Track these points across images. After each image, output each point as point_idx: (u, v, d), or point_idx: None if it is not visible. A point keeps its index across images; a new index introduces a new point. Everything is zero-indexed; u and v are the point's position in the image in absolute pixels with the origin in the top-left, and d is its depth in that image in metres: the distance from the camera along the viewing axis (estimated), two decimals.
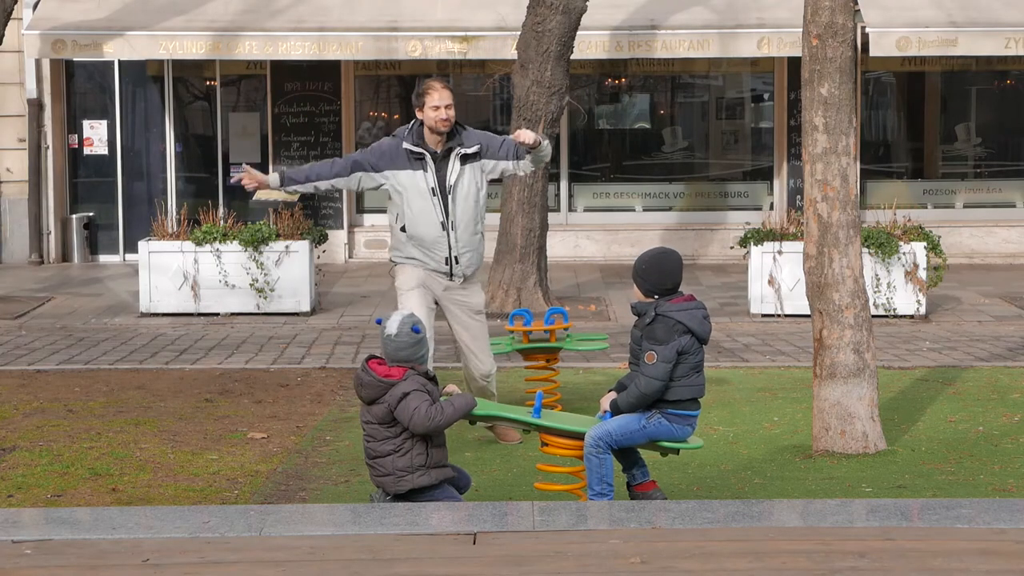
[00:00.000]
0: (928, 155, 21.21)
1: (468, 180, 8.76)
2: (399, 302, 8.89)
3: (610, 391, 7.37)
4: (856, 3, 11.58)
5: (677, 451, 7.44)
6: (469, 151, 8.73)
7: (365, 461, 6.97)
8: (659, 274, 7.24)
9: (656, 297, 7.21)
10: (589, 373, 11.62)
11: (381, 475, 6.86)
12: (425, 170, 8.69)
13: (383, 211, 20.25)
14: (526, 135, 8.57)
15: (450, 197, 8.72)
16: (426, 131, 8.71)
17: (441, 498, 6.85)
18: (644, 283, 7.24)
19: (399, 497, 6.84)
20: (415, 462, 6.80)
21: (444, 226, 8.74)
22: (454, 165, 8.72)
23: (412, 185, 8.70)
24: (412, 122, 8.81)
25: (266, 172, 8.47)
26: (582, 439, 7.27)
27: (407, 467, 6.80)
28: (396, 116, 21.26)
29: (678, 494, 7.95)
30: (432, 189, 8.69)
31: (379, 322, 6.95)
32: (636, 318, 7.31)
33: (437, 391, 6.91)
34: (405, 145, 8.69)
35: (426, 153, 8.68)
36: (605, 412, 7.32)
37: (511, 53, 16.36)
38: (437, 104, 8.61)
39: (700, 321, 7.19)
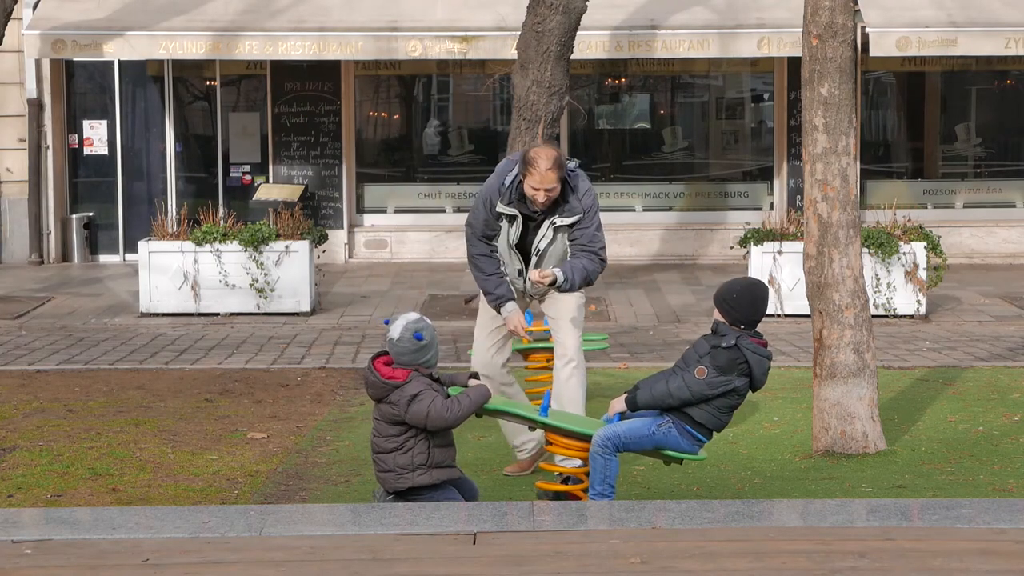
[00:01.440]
0: (928, 155, 21.21)
1: (559, 243, 8.12)
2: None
3: (624, 393, 7.35)
4: (856, 3, 11.59)
5: (680, 460, 7.42)
6: (567, 222, 8.02)
7: (372, 456, 7.00)
8: (751, 305, 7.20)
9: (742, 327, 7.16)
10: (589, 373, 11.59)
11: (383, 471, 6.88)
12: (512, 225, 8.07)
13: (383, 211, 20.33)
14: (545, 274, 7.94)
15: (535, 257, 8.12)
16: None
17: (441, 499, 6.85)
18: (734, 311, 7.16)
19: (399, 494, 6.86)
20: (416, 460, 6.82)
21: (521, 272, 8.22)
22: (547, 231, 8.06)
23: (502, 231, 8.16)
24: (515, 173, 8.02)
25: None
26: (588, 440, 7.28)
27: (408, 465, 6.82)
28: (396, 116, 21.28)
29: (678, 494, 7.95)
30: (512, 245, 8.13)
31: (387, 323, 6.98)
32: (712, 333, 7.27)
33: (444, 391, 6.92)
34: (499, 208, 8.03)
35: (518, 215, 8.05)
36: (615, 415, 7.31)
37: (511, 53, 16.35)
38: (536, 187, 7.86)
39: (763, 371, 7.18)
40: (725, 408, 7.20)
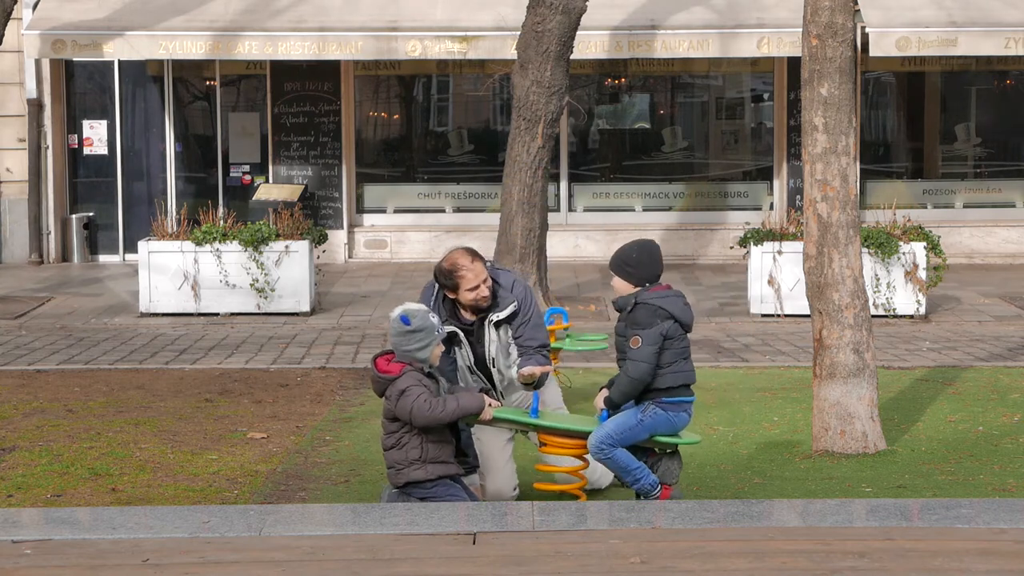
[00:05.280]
0: (928, 155, 21.21)
1: (504, 340, 7.66)
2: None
3: (602, 388, 7.39)
4: (856, 3, 11.59)
5: (675, 447, 7.42)
6: (503, 316, 7.60)
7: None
8: (651, 261, 7.33)
9: (647, 285, 7.27)
10: (589, 373, 11.62)
11: (387, 467, 7.09)
12: (460, 347, 7.63)
13: (383, 211, 20.32)
14: (531, 370, 7.54)
15: (494, 371, 7.66)
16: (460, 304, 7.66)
17: (445, 495, 6.94)
18: (638, 271, 7.29)
19: (402, 489, 7.01)
20: (410, 456, 6.99)
21: (489, 392, 7.52)
22: (489, 334, 7.63)
23: (458, 359, 7.69)
24: (434, 292, 7.69)
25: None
26: (580, 438, 7.29)
27: (403, 460, 6.99)
28: (396, 116, 21.28)
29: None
30: (469, 367, 7.66)
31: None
32: (619, 314, 7.37)
33: (435, 387, 7.04)
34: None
35: (457, 331, 7.61)
36: (602, 410, 7.34)
37: (511, 53, 16.35)
38: (474, 284, 7.50)
39: (681, 308, 7.27)
40: (677, 358, 7.26)
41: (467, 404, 6.98)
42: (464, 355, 7.65)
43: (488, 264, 7.69)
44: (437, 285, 7.67)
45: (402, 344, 7.01)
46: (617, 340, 7.37)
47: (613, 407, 7.29)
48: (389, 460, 7.05)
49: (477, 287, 7.51)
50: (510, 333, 7.66)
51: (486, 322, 7.61)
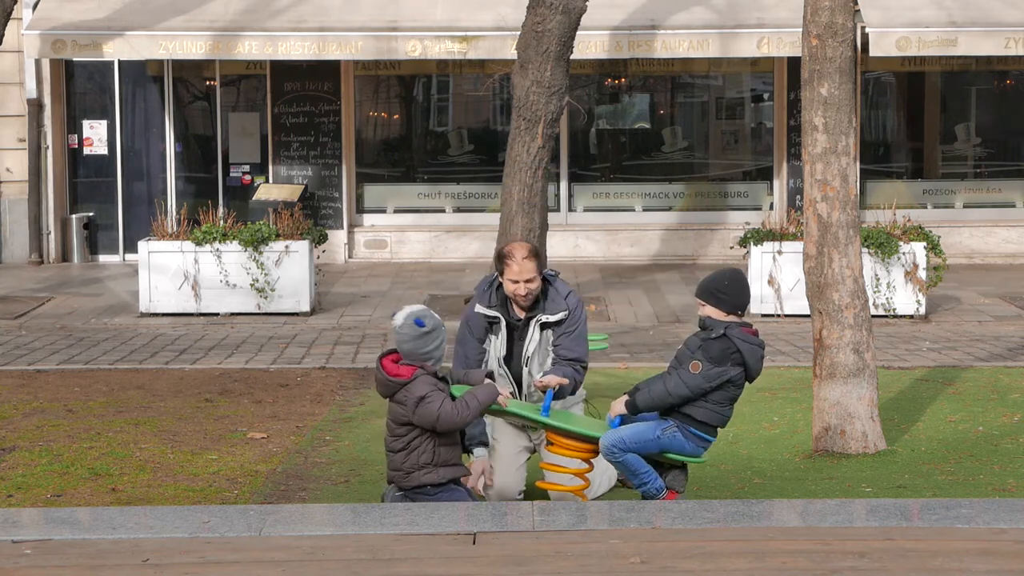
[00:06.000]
0: (928, 155, 21.21)
1: (544, 346, 7.72)
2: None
3: (625, 395, 7.36)
4: (856, 3, 11.59)
5: (683, 464, 7.41)
6: (552, 319, 7.67)
7: (385, 452, 7.14)
8: (741, 290, 7.31)
9: (739, 314, 7.26)
10: (589, 373, 11.58)
11: (393, 469, 7.02)
12: (496, 335, 7.71)
13: (383, 211, 20.32)
14: (547, 381, 7.51)
15: (526, 369, 7.71)
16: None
17: (448, 498, 6.91)
18: (731, 299, 7.26)
19: (407, 492, 6.96)
20: (421, 460, 6.93)
21: (514, 395, 7.68)
22: (533, 333, 7.69)
23: (490, 348, 7.76)
24: (493, 280, 7.80)
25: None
26: (588, 441, 7.29)
27: (413, 464, 6.94)
28: (396, 116, 21.27)
29: None
30: (500, 360, 7.70)
31: (394, 314, 7.10)
32: (700, 329, 7.34)
33: (446, 389, 6.98)
34: (478, 309, 7.71)
35: (500, 318, 7.69)
36: (616, 417, 7.30)
37: (511, 53, 16.35)
38: (515, 278, 7.57)
39: (756, 360, 7.23)
40: (724, 401, 7.23)
41: (485, 399, 6.95)
42: (497, 346, 7.70)
43: (549, 274, 7.77)
44: (495, 277, 7.78)
45: (420, 348, 6.92)
46: (681, 349, 7.34)
47: (633, 411, 7.26)
48: (396, 464, 6.95)
49: (517, 282, 7.58)
50: (551, 339, 7.70)
51: (533, 320, 7.67)
